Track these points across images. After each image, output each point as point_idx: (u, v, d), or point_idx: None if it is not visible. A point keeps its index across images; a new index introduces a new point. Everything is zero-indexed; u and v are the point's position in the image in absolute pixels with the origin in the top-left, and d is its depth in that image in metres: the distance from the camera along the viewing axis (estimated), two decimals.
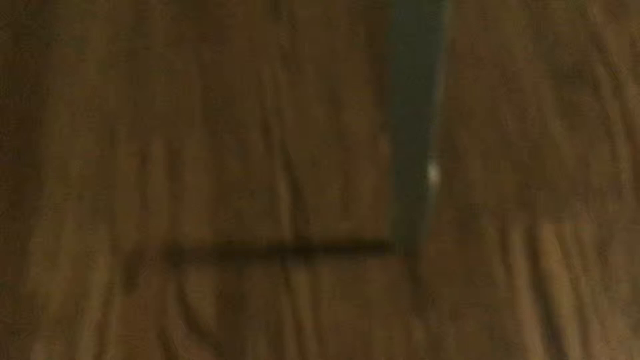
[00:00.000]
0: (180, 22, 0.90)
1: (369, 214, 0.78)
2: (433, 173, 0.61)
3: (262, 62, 0.88)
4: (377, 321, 0.72)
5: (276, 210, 0.79)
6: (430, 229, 0.76)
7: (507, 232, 0.76)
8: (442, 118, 0.82)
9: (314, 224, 0.78)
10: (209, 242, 0.78)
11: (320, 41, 0.88)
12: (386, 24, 0.89)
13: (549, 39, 0.85)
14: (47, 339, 0.72)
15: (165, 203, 0.80)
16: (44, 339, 0.72)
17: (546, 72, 0.83)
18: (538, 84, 0.83)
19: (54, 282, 0.75)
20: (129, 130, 0.84)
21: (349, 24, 0.89)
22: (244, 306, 0.74)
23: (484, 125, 0.81)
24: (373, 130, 0.83)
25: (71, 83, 0.88)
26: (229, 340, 0.71)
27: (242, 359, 0.71)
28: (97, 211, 0.79)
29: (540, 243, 0.75)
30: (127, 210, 0.80)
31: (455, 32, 0.86)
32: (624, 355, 0.70)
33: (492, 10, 0.88)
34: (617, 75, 0.83)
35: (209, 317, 0.73)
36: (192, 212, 0.80)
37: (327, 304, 0.74)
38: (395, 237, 0.74)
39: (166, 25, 0.90)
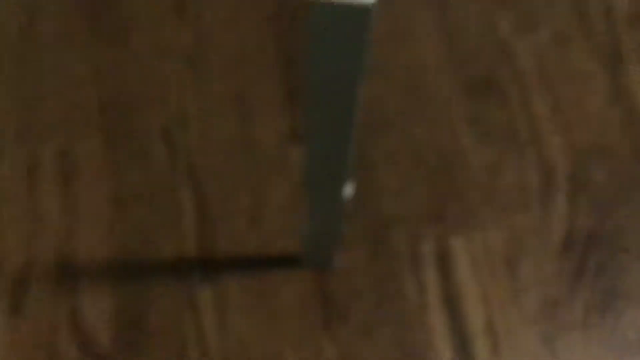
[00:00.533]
0: (75, 19, 0.84)
1: (278, 226, 0.75)
2: (348, 189, 0.59)
3: (165, 65, 0.83)
4: (286, 339, 0.69)
5: (179, 223, 0.74)
6: (341, 242, 0.73)
7: (417, 244, 0.75)
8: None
9: (220, 237, 0.74)
10: (106, 257, 0.72)
11: (228, 45, 0.84)
12: (296, 29, 0.86)
13: (459, 51, 0.85)
14: None
15: (57, 216, 0.74)
16: None
17: (456, 84, 0.83)
18: (448, 95, 0.82)
19: None
20: (16, 137, 0.77)
21: (258, 28, 0.85)
22: (144, 326, 0.69)
23: (395, 136, 0.80)
24: (283, 139, 0.80)
25: None
26: None
27: None
28: None
29: (450, 255, 0.74)
30: (13, 224, 0.73)
31: None
32: None
33: (403, 21, 0.87)
34: (525, 87, 0.83)
35: (105, 340, 0.68)
36: (87, 226, 0.74)
37: (233, 322, 0.70)
38: (306, 251, 0.71)
39: (59, 23, 0.84)
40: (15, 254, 0.71)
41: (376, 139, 0.79)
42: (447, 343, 0.71)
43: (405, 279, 0.73)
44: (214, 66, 0.83)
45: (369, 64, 0.81)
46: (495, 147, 0.80)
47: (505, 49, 0.86)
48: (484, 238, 0.75)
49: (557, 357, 0.70)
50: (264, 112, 0.81)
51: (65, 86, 0.81)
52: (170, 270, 0.72)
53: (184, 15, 0.85)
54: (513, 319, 0.72)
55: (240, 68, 0.83)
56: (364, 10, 0.36)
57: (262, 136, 0.80)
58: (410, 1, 0.87)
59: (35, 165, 0.76)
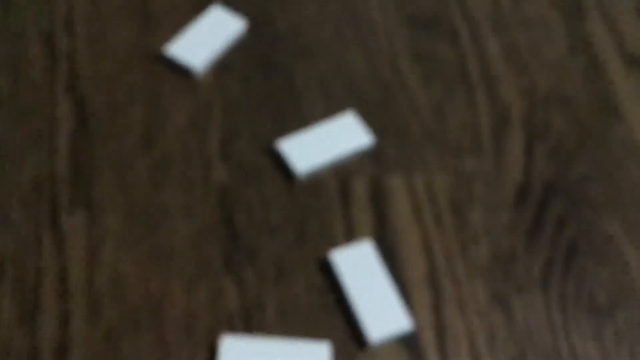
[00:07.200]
0: None
1: (177, 148, 0.60)
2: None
3: None
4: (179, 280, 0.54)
5: (53, 139, 0.59)
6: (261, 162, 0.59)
7: (347, 180, 0.61)
8: (281, 51, 0.67)
9: (98, 156, 0.59)
10: None
11: None
12: None
13: None
14: None
15: None
16: None
17: (402, 19, 0.72)
18: (391, 28, 0.71)
19: None
20: None
21: None
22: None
23: (328, 63, 0.67)
24: None
25: None
26: None
27: None
28: None
29: (387, 195, 0.61)
30: None
31: None
32: (482, 327, 0.56)
33: None
34: (476, 27, 0.73)
35: None
36: None
37: (108, 257, 0.54)
38: None
39: None
40: None
41: (305, 63, 0.67)
42: None
43: (333, 216, 0.59)
44: None
45: None
46: (443, 86, 0.68)
47: None
48: (427, 179, 0.63)
49: (513, 319, 0.57)
50: (173, 29, 0.68)
51: None
52: (32, 191, 0.56)
53: None
54: (459, 271, 0.58)
55: None
56: None
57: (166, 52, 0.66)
58: None
59: None
